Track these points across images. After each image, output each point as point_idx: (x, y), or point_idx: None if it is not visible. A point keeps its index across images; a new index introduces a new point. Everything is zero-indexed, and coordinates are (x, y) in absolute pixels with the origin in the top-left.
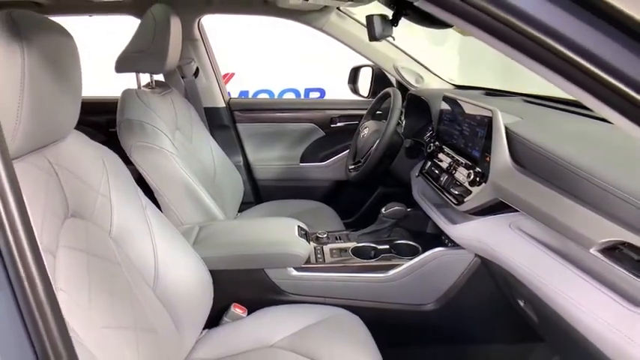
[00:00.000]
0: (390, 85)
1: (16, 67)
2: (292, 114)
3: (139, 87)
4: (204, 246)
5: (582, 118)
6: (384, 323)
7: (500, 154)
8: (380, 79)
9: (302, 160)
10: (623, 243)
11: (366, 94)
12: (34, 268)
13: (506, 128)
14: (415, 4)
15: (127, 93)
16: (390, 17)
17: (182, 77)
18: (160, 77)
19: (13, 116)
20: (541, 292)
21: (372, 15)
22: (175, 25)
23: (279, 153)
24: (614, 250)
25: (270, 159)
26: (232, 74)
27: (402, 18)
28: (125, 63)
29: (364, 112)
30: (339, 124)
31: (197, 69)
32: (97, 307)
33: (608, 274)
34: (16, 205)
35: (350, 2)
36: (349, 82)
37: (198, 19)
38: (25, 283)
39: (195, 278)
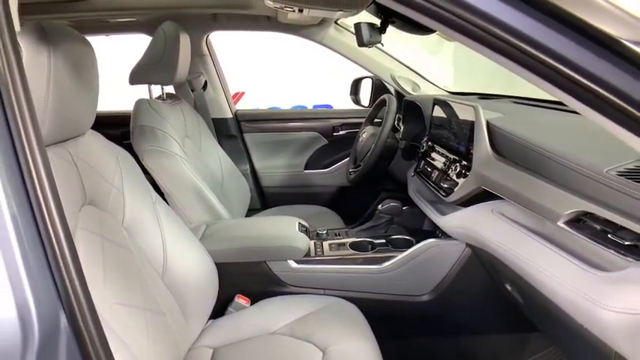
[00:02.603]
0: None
1: (43, 69)
2: (296, 123)
3: (151, 98)
4: (211, 240)
5: (559, 113)
6: (381, 314)
7: (482, 145)
8: (379, 89)
9: (306, 168)
10: (586, 214)
11: (367, 104)
12: (62, 235)
13: (488, 122)
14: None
15: (140, 102)
16: (378, 25)
17: (192, 90)
18: (170, 90)
19: (40, 111)
20: (521, 270)
21: (360, 23)
22: (184, 41)
23: (284, 161)
24: (578, 222)
25: (276, 167)
26: (242, 93)
27: (390, 26)
28: (138, 75)
29: (363, 120)
30: (341, 132)
31: (205, 82)
32: (111, 286)
33: (574, 245)
34: (49, 183)
35: (341, 12)
36: (351, 94)
37: (206, 36)
38: (55, 246)
39: (201, 269)
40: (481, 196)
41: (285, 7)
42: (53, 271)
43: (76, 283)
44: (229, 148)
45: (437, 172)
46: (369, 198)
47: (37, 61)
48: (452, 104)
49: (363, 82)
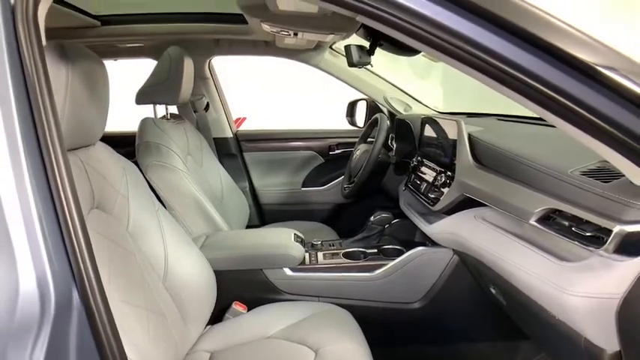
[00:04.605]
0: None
1: (61, 83)
2: (294, 143)
3: (156, 117)
4: (210, 249)
5: (535, 126)
6: (373, 321)
7: (464, 155)
8: (373, 110)
9: (303, 185)
10: (554, 211)
11: (361, 125)
12: (77, 222)
13: (470, 135)
14: (357, 19)
15: (145, 120)
16: (368, 47)
17: (194, 111)
18: (174, 110)
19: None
20: (501, 269)
21: (350, 45)
22: (188, 64)
23: (282, 179)
24: (548, 220)
25: (274, 184)
26: (244, 119)
27: (378, 47)
28: (144, 95)
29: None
30: (337, 152)
31: (207, 104)
32: (115, 284)
33: (545, 241)
34: (68, 179)
35: (332, 35)
36: (347, 115)
37: (208, 60)
38: (71, 232)
39: (200, 276)
40: (464, 203)
41: (282, 31)
42: (69, 252)
43: (88, 264)
44: (229, 166)
45: (425, 184)
46: (363, 213)
47: (57, 75)
48: (438, 121)
49: (359, 104)
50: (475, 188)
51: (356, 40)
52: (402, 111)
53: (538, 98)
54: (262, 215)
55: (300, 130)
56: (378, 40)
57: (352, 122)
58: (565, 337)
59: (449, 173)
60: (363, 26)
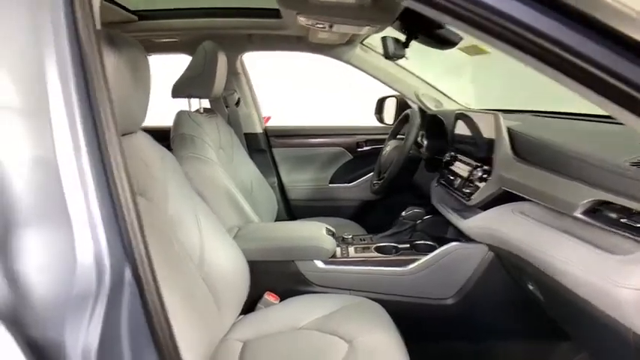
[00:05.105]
0: None
1: (110, 69)
2: (322, 139)
3: (190, 110)
4: (243, 240)
5: (575, 122)
6: (404, 316)
7: (503, 148)
8: (403, 107)
9: (331, 182)
10: (601, 203)
11: (390, 122)
12: (131, 205)
13: (509, 129)
14: (403, 4)
15: (180, 113)
16: (403, 40)
17: (226, 106)
18: (206, 104)
19: None
20: (542, 263)
21: (386, 36)
22: (222, 59)
23: (310, 175)
24: (594, 212)
25: (302, 180)
26: (269, 118)
27: (413, 40)
28: (179, 89)
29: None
30: (365, 148)
31: (239, 99)
32: (156, 268)
33: (591, 234)
34: (123, 165)
35: (368, 27)
36: (376, 112)
37: (240, 56)
38: (126, 217)
39: (234, 265)
40: (501, 198)
41: (317, 24)
42: (122, 230)
43: (140, 244)
44: (259, 161)
45: (459, 180)
46: (391, 210)
47: (106, 62)
48: (473, 116)
49: (387, 100)
50: (515, 182)
51: (388, 34)
52: (432, 107)
53: (603, 90)
54: (290, 211)
55: (328, 126)
56: (413, 32)
57: (381, 119)
58: (612, 332)
59: (485, 168)
60: (399, 19)
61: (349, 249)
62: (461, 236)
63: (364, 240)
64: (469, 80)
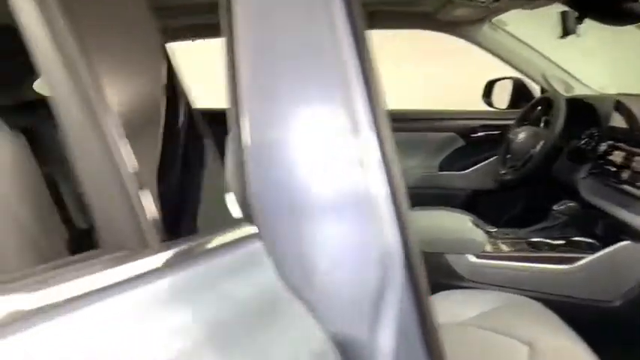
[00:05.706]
0: (531, 95)
1: None
2: (432, 124)
3: None
4: None
5: None
6: (564, 317)
7: None
8: (520, 90)
9: (441, 169)
10: None
11: (504, 106)
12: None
13: None
14: None
15: None
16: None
17: None
18: None
19: None
20: None
21: (567, 11)
22: None
23: (418, 161)
24: None
25: (410, 167)
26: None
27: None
28: None
29: (505, 122)
30: (479, 134)
31: None
32: None
33: None
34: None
35: (533, 3)
36: (483, 96)
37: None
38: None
39: None
40: None
41: None
42: (402, 222)
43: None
44: None
45: (628, 172)
46: (508, 202)
47: None
48: (632, 102)
49: (498, 84)
50: None
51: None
52: (561, 91)
53: None
54: None
55: (438, 110)
56: (584, 9)
57: (489, 103)
58: None
59: None
60: None
61: (499, 243)
62: (625, 234)
63: (508, 234)
64: (602, 64)
